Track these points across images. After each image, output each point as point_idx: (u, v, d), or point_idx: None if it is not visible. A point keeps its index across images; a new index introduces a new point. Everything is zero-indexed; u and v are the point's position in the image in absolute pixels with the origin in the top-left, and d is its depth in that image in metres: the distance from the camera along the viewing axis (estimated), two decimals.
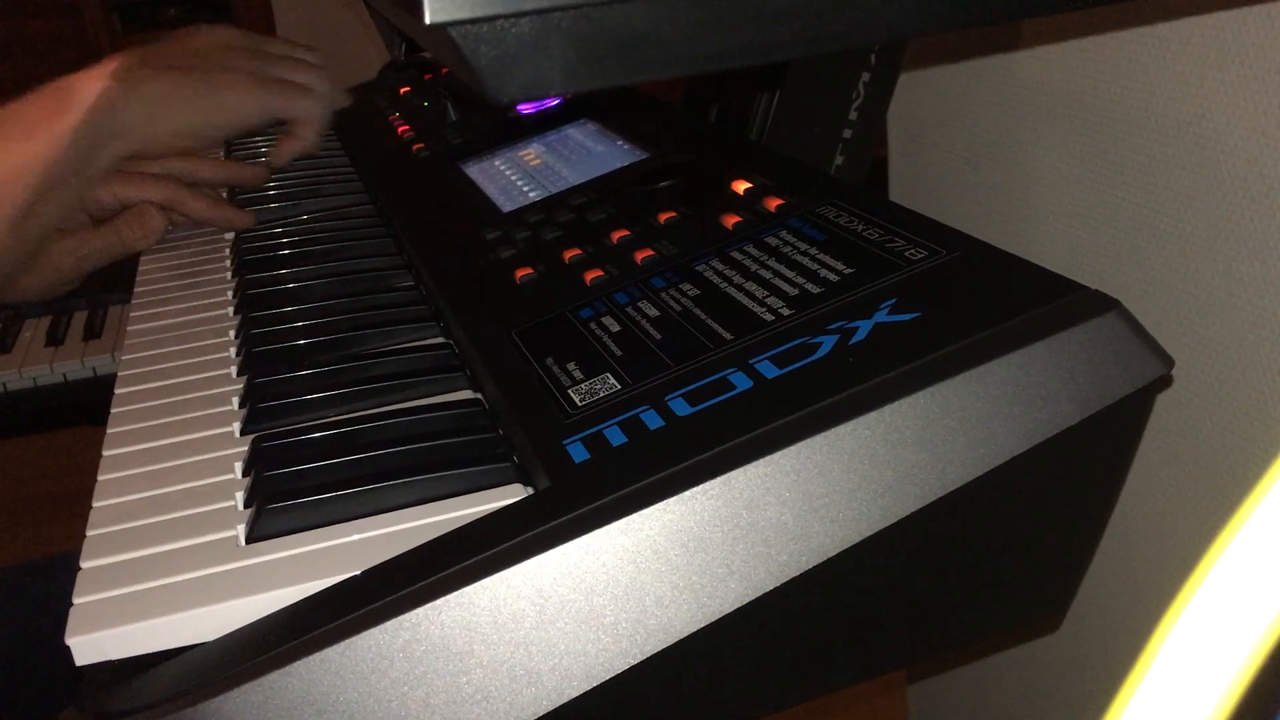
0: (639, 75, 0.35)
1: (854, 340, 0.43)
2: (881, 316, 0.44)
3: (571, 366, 0.49)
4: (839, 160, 0.76)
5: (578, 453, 0.43)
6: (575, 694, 0.38)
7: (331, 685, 0.36)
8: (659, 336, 0.49)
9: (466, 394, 0.54)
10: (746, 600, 0.38)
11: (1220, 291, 0.57)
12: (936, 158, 0.81)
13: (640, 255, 0.57)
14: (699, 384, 0.44)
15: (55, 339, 1.07)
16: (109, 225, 0.78)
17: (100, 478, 0.50)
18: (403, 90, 1.07)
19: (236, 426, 0.53)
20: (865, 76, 0.73)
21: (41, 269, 0.76)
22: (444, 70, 1.06)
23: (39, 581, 0.81)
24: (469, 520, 0.42)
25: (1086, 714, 0.75)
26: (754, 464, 0.38)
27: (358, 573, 0.41)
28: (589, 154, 0.75)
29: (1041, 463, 0.41)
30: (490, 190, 0.75)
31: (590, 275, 0.56)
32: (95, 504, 0.48)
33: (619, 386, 0.46)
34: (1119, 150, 0.62)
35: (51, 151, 0.70)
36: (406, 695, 0.37)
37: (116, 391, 0.60)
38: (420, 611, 0.37)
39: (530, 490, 0.45)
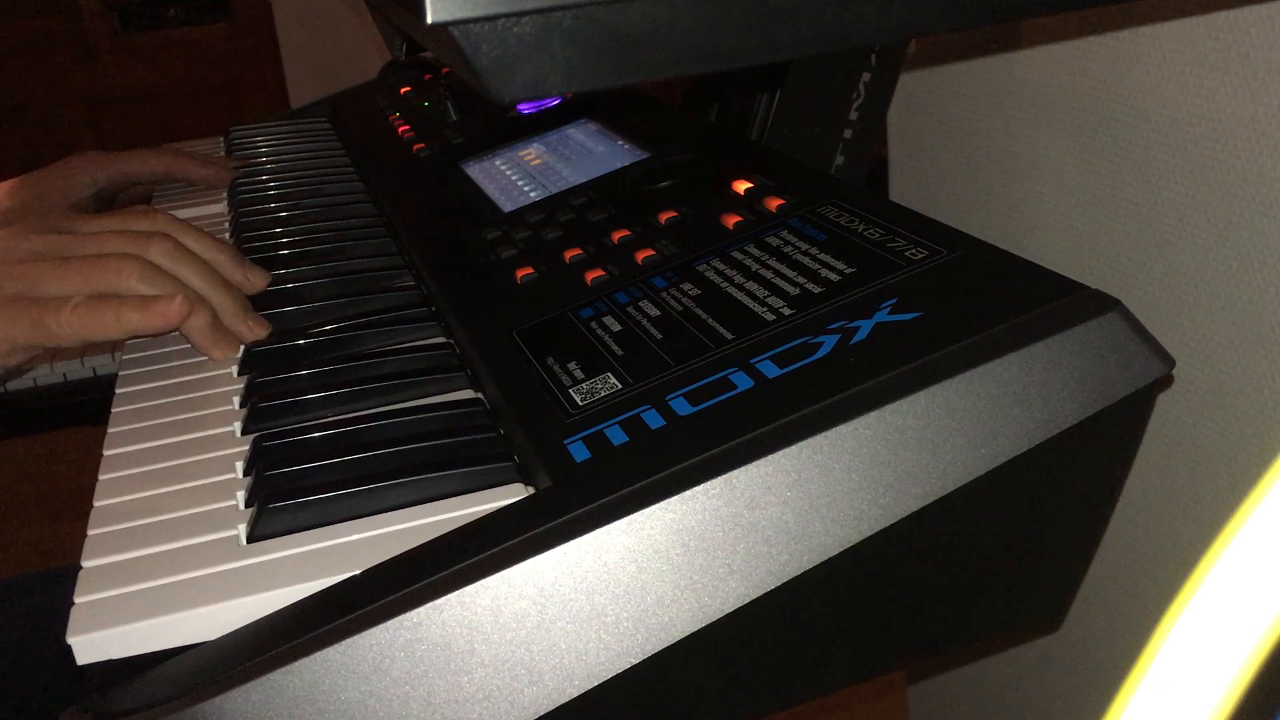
0: (640, 75, 0.35)
1: (855, 340, 0.43)
2: (882, 316, 0.44)
3: (572, 366, 0.49)
4: (839, 160, 0.76)
5: (579, 452, 0.43)
6: (576, 693, 0.38)
7: (333, 684, 0.36)
8: (660, 336, 0.49)
9: (467, 394, 0.54)
10: (747, 600, 0.38)
11: (1221, 291, 0.57)
12: (936, 158, 0.81)
13: (641, 255, 0.57)
14: (700, 383, 0.44)
15: None
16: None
17: (100, 478, 0.50)
18: (403, 90, 1.07)
19: (237, 426, 0.54)
20: (865, 76, 0.73)
21: None
22: (444, 70, 1.06)
23: (43, 591, 0.80)
24: (470, 520, 0.42)
25: (1086, 714, 0.75)
26: (755, 463, 0.38)
27: (358, 572, 0.41)
28: (589, 154, 0.75)
29: (1042, 463, 0.41)
30: (491, 190, 0.75)
31: (591, 275, 0.56)
32: (95, 504, 0.48)
33: (620, 386, 0.46)
34: (1119, 150, 0.62)
35: None
36: (408, 694, 0.37)
37: (117, 391, 0.60)
38: (421, 611, 0.37)
39: (531, 490, 0.45)
